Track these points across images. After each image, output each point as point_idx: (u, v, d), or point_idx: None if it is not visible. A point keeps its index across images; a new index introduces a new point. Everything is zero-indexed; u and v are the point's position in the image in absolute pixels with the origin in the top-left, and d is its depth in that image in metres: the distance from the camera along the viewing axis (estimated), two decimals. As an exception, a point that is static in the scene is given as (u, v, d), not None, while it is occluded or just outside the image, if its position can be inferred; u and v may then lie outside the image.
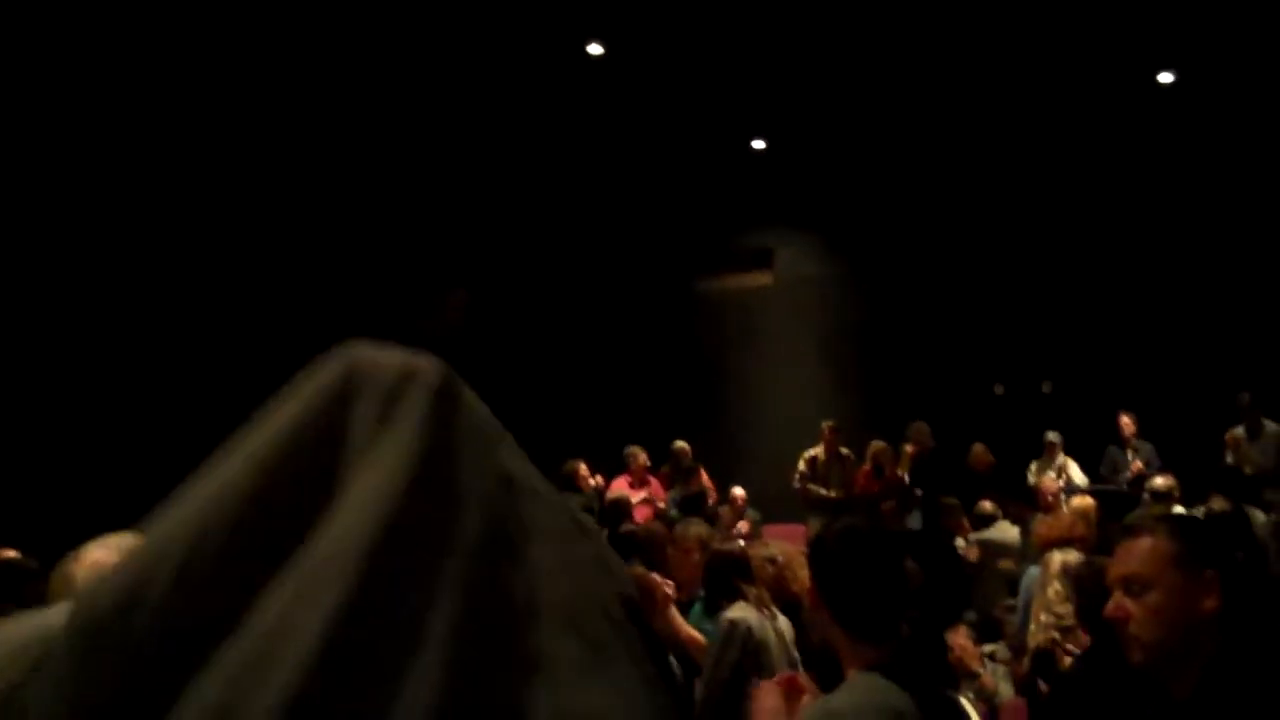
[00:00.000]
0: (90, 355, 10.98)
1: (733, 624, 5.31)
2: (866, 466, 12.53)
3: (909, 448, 12.78)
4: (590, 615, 1.00)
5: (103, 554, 2.33)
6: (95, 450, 10.25)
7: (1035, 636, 6.03)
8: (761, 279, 16.14)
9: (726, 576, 5.65)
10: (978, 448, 12.69)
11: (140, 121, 11.28)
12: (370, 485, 0.98)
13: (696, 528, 6.82)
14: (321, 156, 12.67)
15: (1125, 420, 12.46)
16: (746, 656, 5.20)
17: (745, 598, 5.49)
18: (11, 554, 8.39)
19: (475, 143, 13.68)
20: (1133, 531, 2.57)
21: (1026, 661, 6.01)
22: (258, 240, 12.42)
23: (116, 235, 11.30)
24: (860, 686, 2.75)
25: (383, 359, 1.09)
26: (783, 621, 5.55)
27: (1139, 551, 2.50)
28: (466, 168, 13.92)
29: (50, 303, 10.61)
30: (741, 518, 11.76)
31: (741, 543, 6.81)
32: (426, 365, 1.09)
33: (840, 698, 2.77)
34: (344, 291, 13.21)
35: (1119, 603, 2.48)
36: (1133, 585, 2.47)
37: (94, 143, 10.98)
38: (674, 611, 5.92)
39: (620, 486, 11.99)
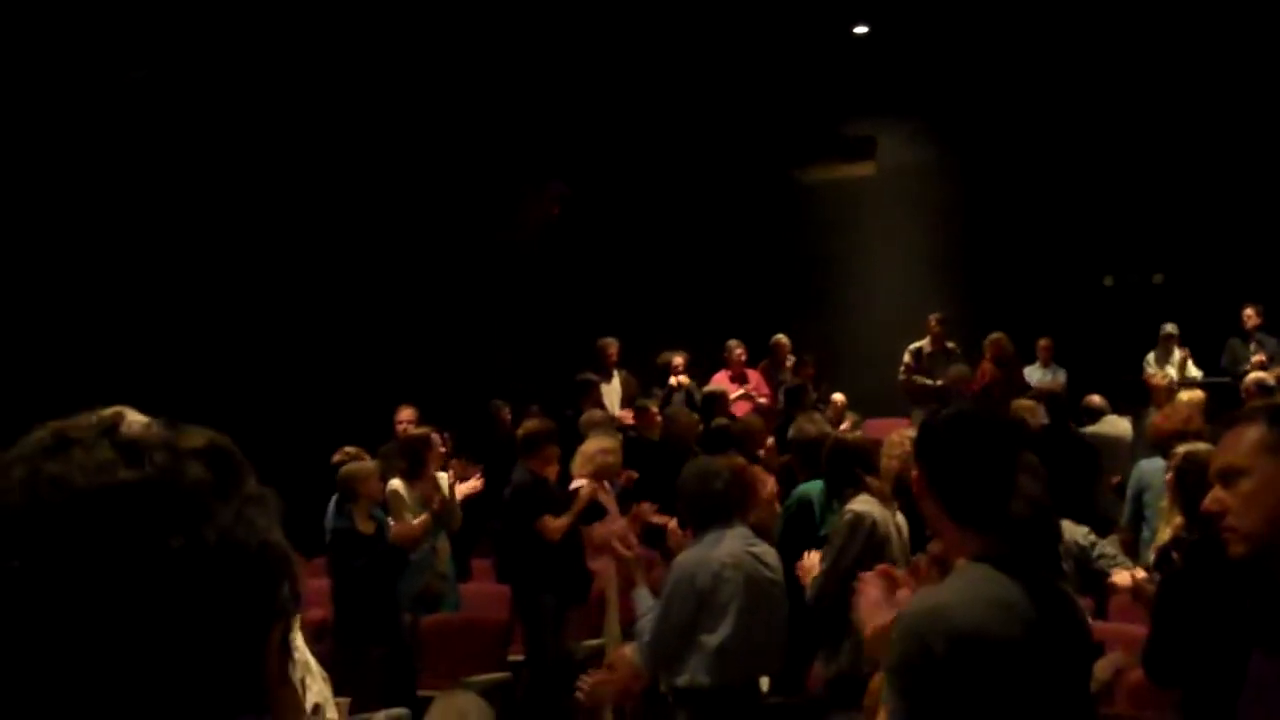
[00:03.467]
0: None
1: (858, 517, 5.32)
2: (987, 359, 12.29)
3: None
4: None
5: None
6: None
7: (1163, 532, 5.83)
8: (864, 168, 15.79)
9: (848, 465, 5.63)
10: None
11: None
12: None
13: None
14: (420, 47, 12.61)
15: (1249, 312, 12.20)
16: (869, 550, 5.18)
17: (867, 488, 5.47)
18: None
19: (572, 33, 13.50)
20: (1233, 423, 2.51)
21: (1152, 556, 5.84)
22: (358, 132, 12.46)
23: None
24: (967, 577, 2.66)
25: None
26: (900, 517, 5.53)
27: (1233, 443, 2.44)
28: (563, 59, 13.77)
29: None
30: (843, 420, 11.66)
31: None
32: None
33: (946, 589, 2.68)
34: (444, 185, 13.24)
35: (1215, 496, 2.42)
36: (1228, 476, 2.40)
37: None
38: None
39: (720, 381, 11.97)
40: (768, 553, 5.10)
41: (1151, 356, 12.34)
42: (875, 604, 2.90)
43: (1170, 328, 12.40)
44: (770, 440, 9.33)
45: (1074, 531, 5.49)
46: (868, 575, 3.02)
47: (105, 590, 0.85)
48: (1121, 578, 5.42)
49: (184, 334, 10.76)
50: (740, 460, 5.60)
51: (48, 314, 10.06)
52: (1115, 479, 9.34)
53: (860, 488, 5.48)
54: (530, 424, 8.34)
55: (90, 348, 9.90)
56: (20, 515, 0.87)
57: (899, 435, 5.98)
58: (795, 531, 6.35)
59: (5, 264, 9.88)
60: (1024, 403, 9.40)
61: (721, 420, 9.88)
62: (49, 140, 10.22)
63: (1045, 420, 9.50)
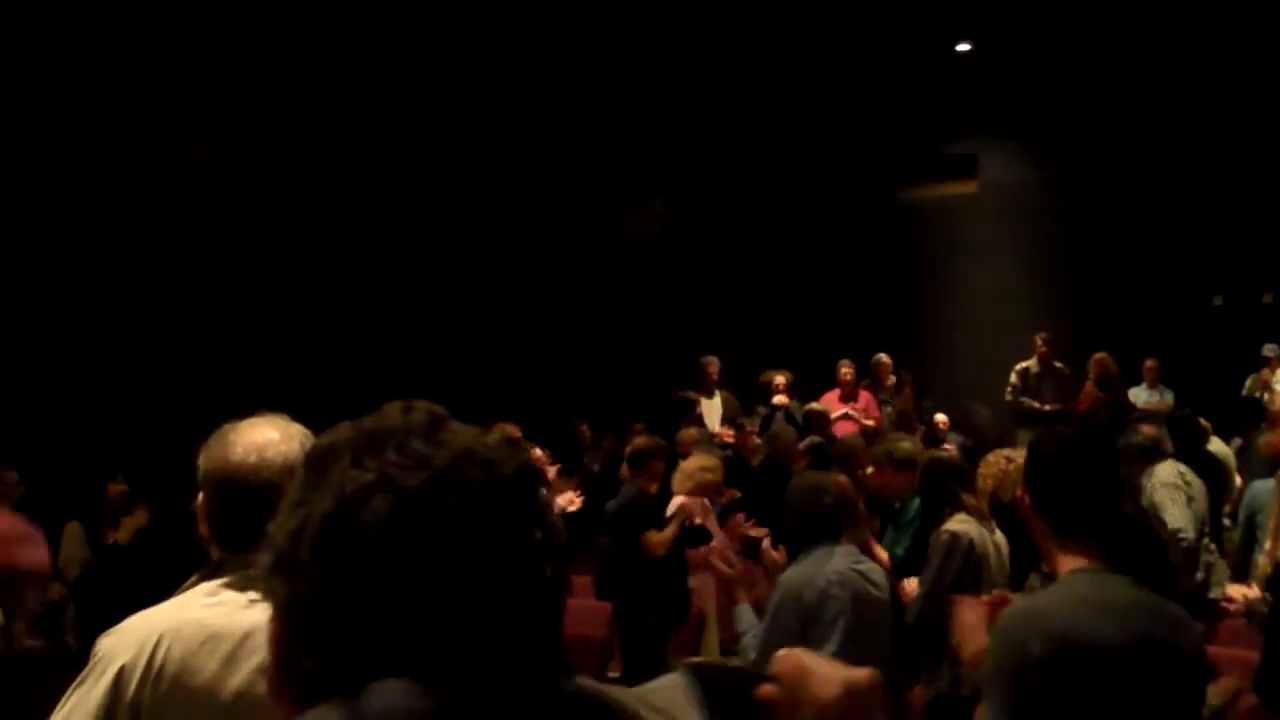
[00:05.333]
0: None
1: (955, 537, 5.27)
2: (1090, 380, 12.14)
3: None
4: None
5: (259, 432, 2.38)
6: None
7: (1272, 551, 5.75)
8: (966, 187, 15.69)
9: (944, 483, 5.58)
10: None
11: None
12: None
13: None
14: (521, 67, 12.75)
15: None
16: (967, 570, 5.16)
17: (964, 506, 5.43)
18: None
19: (675, 49, 13.56)
20: None
21: (1262, 577, 5.77)
22: (457, 151, 12.62)
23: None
24: (1068, 583, 2.67)
25: None
26: (999, 535, 5.47)
27: None
28: (666, 74, 13.83)
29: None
30: (944, 442, 11.58)
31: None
32: None
33: (1045, 593, 2.69)
34: (544, 204, 13.35)
35: None
36: None
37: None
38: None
39: (830, 400, 11.96)
40: (874, 570, 5.09)
41: (1250, 380, 12.13)
42: (973, 627, 2.89)
43: (1269, 349, 12.17)
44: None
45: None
46: (963, 598, 3.01)
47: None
48: (1235, 591, 5.34)
49: (286, 351, 10.97)
50: (845, 480, 5.56)
51: (156, 328, 10.38)
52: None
53: (957, 506, 5.44)
54: (640, 441, 8.35)
55: (181, 364, 10.20)
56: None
57: (995, 455, 5.94)
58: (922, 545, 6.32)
59: (121, 279, 10.22)
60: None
61: (816, 439, 9.89)
62: (168, 159, 10.55)
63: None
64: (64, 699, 2.18)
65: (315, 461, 1.09)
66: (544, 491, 1.09)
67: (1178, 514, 7.00)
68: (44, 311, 9.99)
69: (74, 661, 2.24)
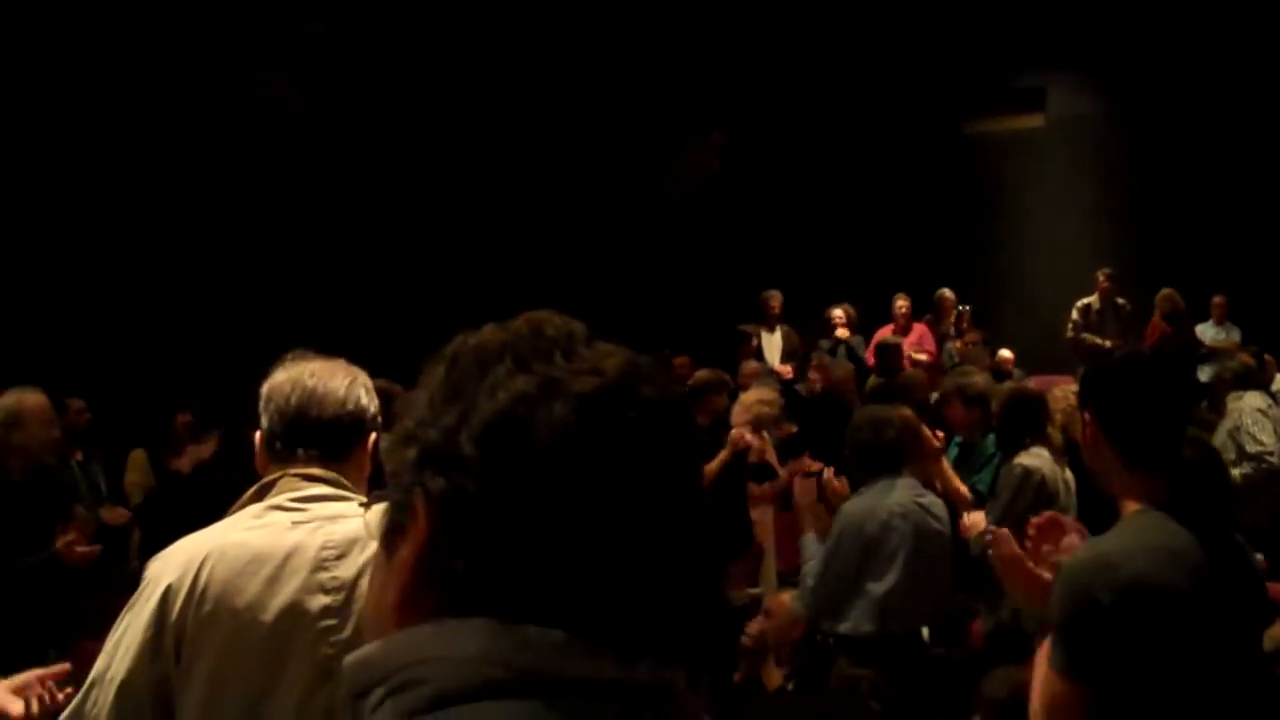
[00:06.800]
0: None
1: (1027, 471, 5.25)
2: (1157, 316, 11.98)
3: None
4: None
5: (322, 365, 2.43)
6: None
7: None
8: (1032, 120, 15.45)
9: (1025, 416, 5.55)
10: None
11: None
12: None
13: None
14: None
15: None
16: (1037, 505, 5.12)
17: (1042, 440, 5.40)
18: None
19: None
20: None
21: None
22: (517, 83, 12.60)
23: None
24: (1135, 525, 2.62)
25: None
26: (1069, 473, 5.44)
27: None
28: (727, 6, 13.70)
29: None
30: (1009, 377, 11.50)
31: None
32: None
33: (1111, 538, 2.63)
34: (604, 138, 13.30)
35: None
36: None
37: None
38: (944, 462, 5.86)
39: (885, 335, 11.89)
40: (935, 504, 5.08)
41: None
42: (1013, 560, 2.85)
43: None
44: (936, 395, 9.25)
45: None
46: (1002, 533, 2.97)
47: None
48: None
49: (350, 280, 11.06)
50: (911, 414, 5.52)
51: (223, 258, 10.49)
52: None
53: (1038, 440, 5.39)
54: (701, 374, 8.34)
55: (247, 295, 10.30)
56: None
57: (1062, 391, 5.89)
58: None
59: (188, 209, 10.32)
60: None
61: (878, 380, 9.84)
62: (233, 90, 10.61)
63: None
64: (118, 620, 2.25)
65: (464, 361, 1.05)
66: None
67: (1267, 438, 7.45)
68: (112, 242, 10.11)
69: (137, 586, 2.30)
